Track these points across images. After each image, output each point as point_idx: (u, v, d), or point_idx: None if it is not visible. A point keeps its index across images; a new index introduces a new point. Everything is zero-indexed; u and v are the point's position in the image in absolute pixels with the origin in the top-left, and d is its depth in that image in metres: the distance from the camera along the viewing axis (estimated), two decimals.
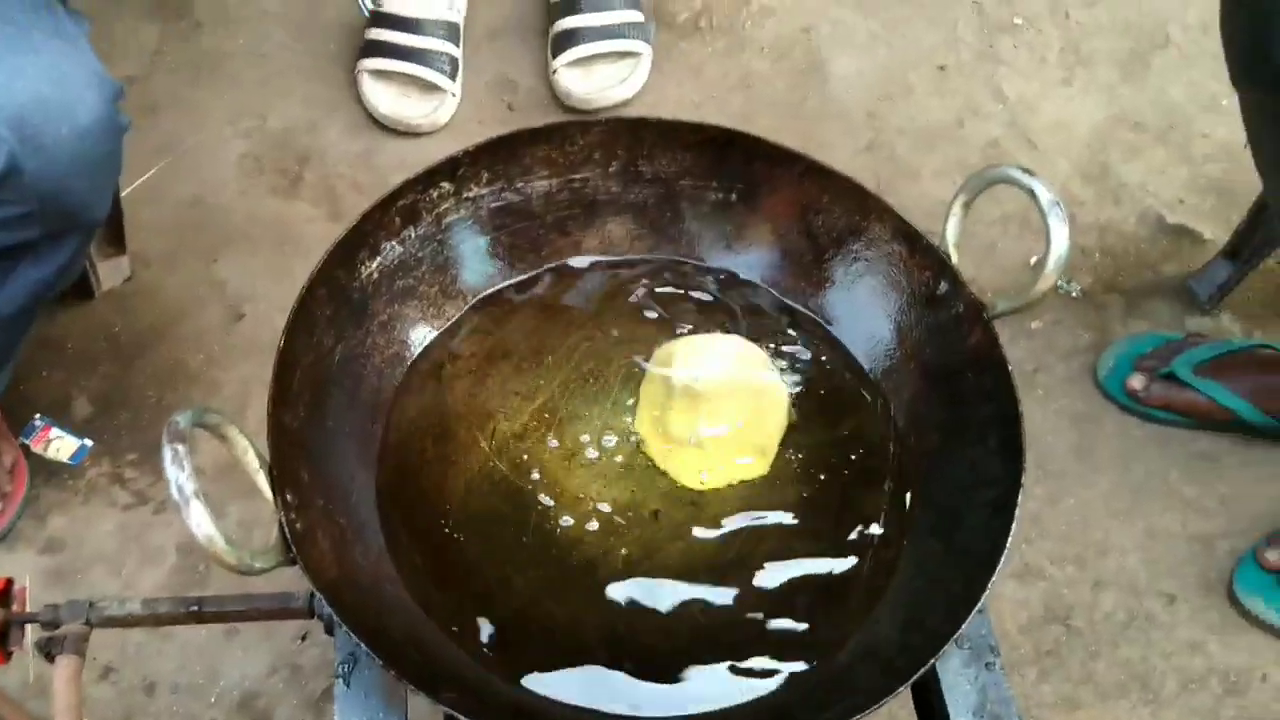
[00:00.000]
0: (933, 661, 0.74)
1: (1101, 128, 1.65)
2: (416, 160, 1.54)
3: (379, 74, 1.61)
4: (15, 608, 0.95)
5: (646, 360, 0.93)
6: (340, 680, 0.85)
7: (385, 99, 1.60)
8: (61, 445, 1.41)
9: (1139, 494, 1.39)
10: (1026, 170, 0.86)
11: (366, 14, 1.64)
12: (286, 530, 0.74)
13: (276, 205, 1.58)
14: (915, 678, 0.74)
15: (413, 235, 0.91)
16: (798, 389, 0.93)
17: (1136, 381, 1.39)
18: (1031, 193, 0.84)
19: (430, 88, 1.59)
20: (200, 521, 0.68)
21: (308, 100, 1.65)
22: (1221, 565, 1.35)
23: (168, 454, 0.68)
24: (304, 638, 1.29)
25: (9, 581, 0.94)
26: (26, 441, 1.41)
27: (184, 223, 1.57)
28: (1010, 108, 1.66)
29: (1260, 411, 1.35)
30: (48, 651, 0.94)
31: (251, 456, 0.76)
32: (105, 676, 1.27)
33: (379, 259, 0.89)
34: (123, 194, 1.41)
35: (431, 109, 1.59)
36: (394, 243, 0.90)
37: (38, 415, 1.42)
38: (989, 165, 0.89)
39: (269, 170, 1.61)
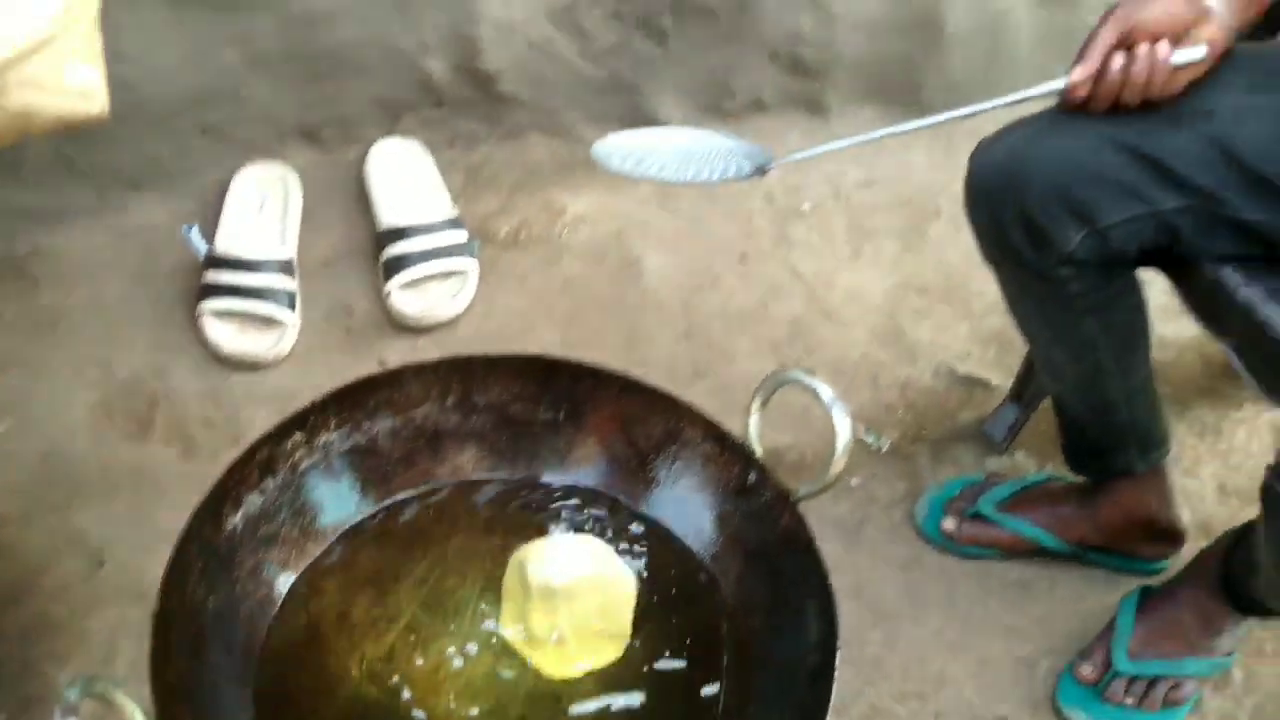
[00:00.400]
0: None
1: (891, 294, 1.83)
2: (264, 392, 1.64)
3: (219, 314, 1.69)
4: None
5: (502, 569, 1.03)
6: None
7: (227, 337, 1.68)
8: None
9: (966, 626, 1.52)
10: (809, 371, 0.99)
11: (201, 258, 1.73)
12: None
13: (130, 450, 1.63)
14: None
15: (271, 485, 0.99)
16: (642, 577, 1.03)
17: (949, 524, 1.53)
18: (814, 393, 0.97)
19: (270, 322, 1.68)
20: None
21: (152, 345, 1.72)
22: (1045, 683, 1.47)
23: None
24: None
25: None
26: None
27: (37, 478, 1.61)
28: (808, 285, 1.83)
29: (1057, 538, 1.50)
30: None
31: (140, 717, 0.82)
32: None
33: (242, 511, 0.97)
34: None
35: (273, 342, 1.68)
36: (254, 494, 0.98)
37: None
38: (778, 369, 1.02)
39: (119, 417, 1.66)
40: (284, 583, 0.99)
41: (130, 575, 1.51)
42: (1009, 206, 1.20)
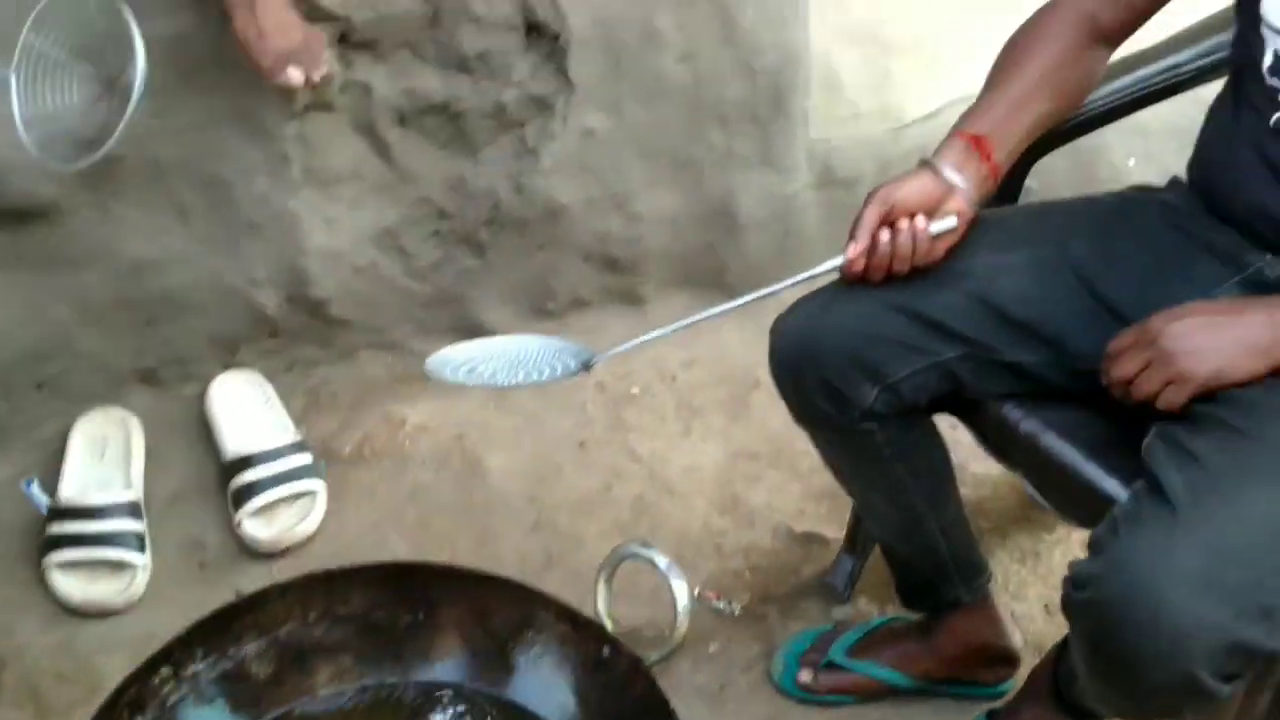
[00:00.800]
0: None
1: (723, 464, 1.94)
2: (117, 639, 1.64)
3: (66, 565, 1.68)
4: None
5: None
6: None
7: (76, 588, 1.67)
8: None
9: None
10: (645, 543, 1.08)
11: (44, 511, 1.73)
12: None
13: None
14: None
15: None
16: None
17: (805, 676, 1.60)
18: (651, 562, 1.05)
19: (120, 566, 1.68)
20: None
21: None
22: None
23: None
24: None
25: None
26: None
27: None
28: (646, 464, 1.93)
29: (904, 676, 1.58)
30: None
31: None
32: None
33: None
34: None
35: (124, 586, 1.68)
36: None
37: None
38: (616, 546, 1.10)
39: None
40: None
41: None
42: (808, 373, 1.32)
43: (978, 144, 1.25)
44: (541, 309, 2.08)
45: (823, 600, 1.76)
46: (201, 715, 1.04)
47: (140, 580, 1.69)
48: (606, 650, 1.07)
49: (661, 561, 1.03)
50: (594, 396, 2.03)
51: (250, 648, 1.07)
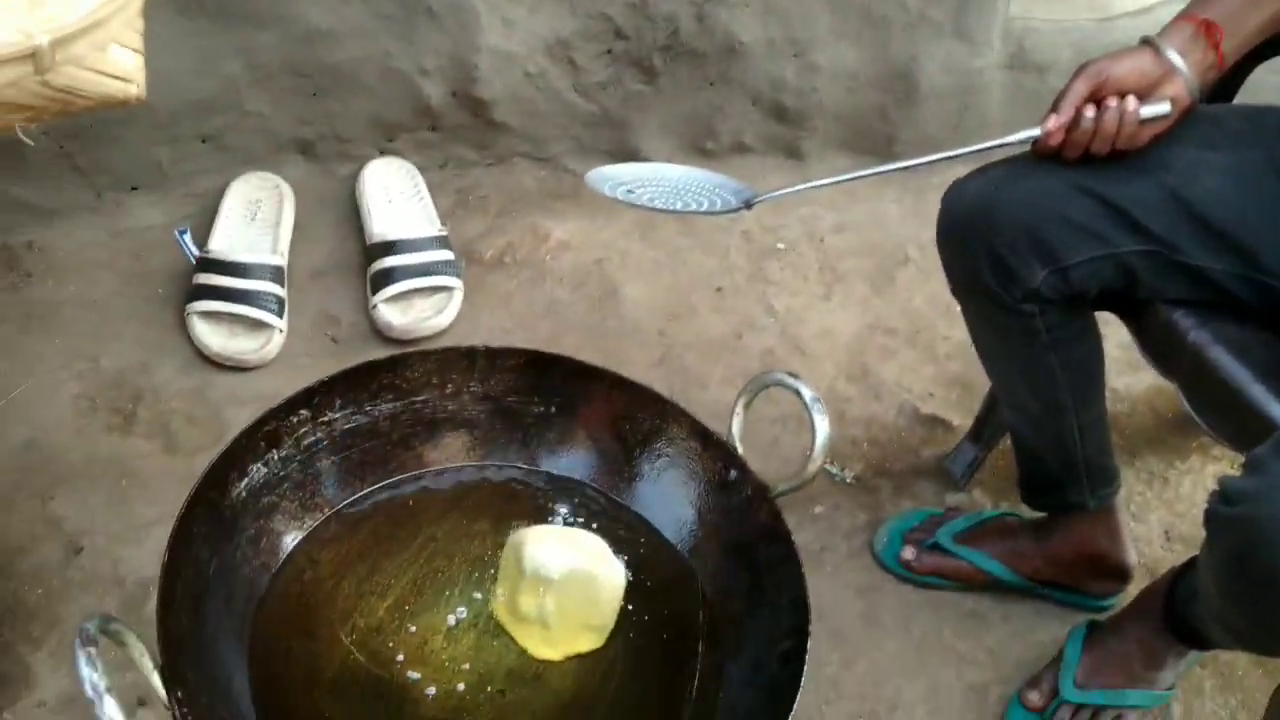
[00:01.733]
0: None
1: (859, 334, 1.90)
2: (248, 393, 1.68)
3: (208, 315, 1.73)
4: None
5: (490, 553, 1.07)
6: None
7: (215, 338, 1.72)
8: None
9: (920, 652, 1.57)
10: (793, 374, 1.05)
11: (193, 261, 1.77)
12: None
13: (112, 442, 1.66)
14: None
15: (276, 457, 1.03)
16: (627, 575, 1.07)
17: (908, 553, 1.59)
18: (797, 393, 1.03)
19: (258, 325, 1.72)
20: (113, 715, 0.77)
21: (139, 343, 1.76)
22: (994, 710, 1.52)
23: (81, 657, 0.77)
24: None
25: None
26: None
27: (18, 465, 1.63)
28: (780, 320, 1.90)
29: (1011, 571, 1.56)
30: None
31: (147, 659, 0.85)
32: None
33: (246, 480, 1.01)
34: None
35: (260, 345, 1.72)
36: (259, 465, 1.02)
37: None
38: (764, 371, 1.08)
39: (103, 409, 1.69)
40: (282, 551, 1.03)
41: (106, 564, 1.54)
42: (978, 241, 1.27)
43: (1207, 30, 1.17)
44: (700, 147, 2.04)
45: (938, 484, 1.74)
46: (330, 464, 1.06)
47: (276, 342, 1.73)
48: (734, 473, 1.06)
49: (808, 393, 1.01)
50: (739, 244, 1.99)
51: (386, 407, 1.08)
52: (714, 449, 1.07)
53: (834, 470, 1.73)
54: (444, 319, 1.77)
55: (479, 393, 1.11)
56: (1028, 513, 1.59)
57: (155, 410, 1.69)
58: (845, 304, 1.94)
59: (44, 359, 1.73)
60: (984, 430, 1.69)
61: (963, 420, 1.79)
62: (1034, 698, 1.47)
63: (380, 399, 1.08)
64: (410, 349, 1.08)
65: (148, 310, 1.79)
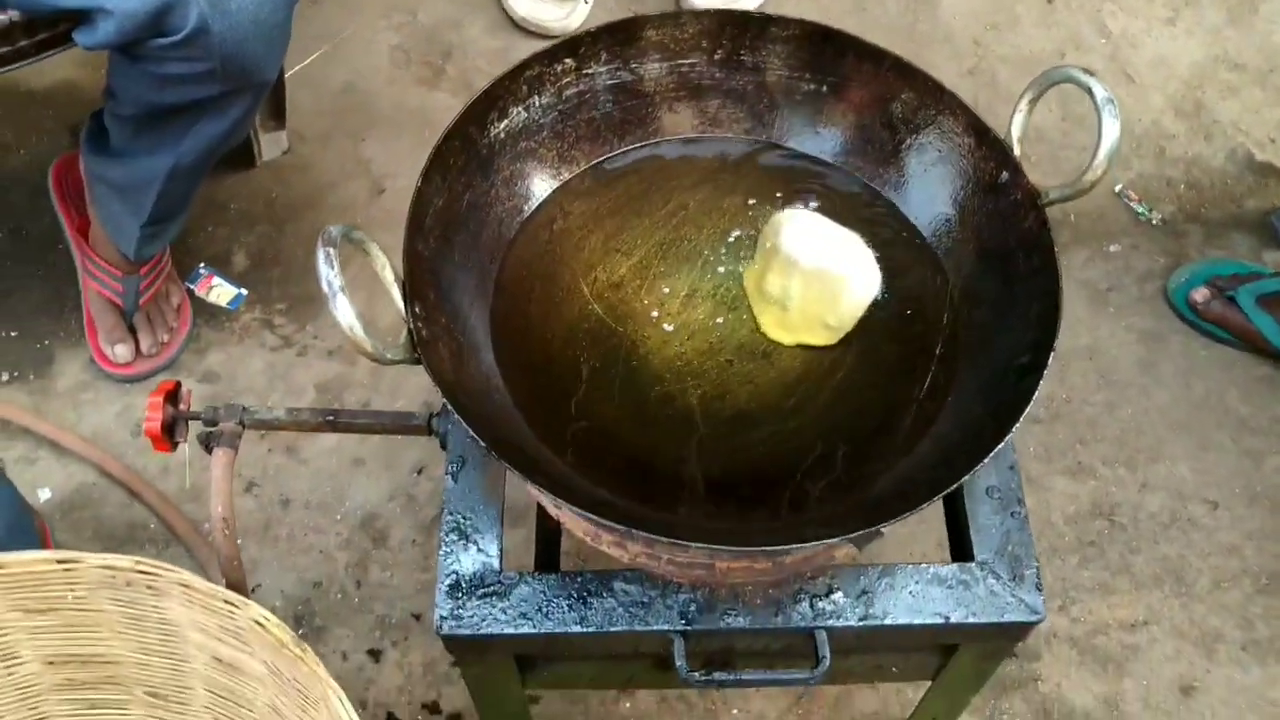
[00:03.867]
0: (943, 494, 0.85)
1: (1201, 66, 1.71)
2: None
3: None
4: (181, 406, 1.13)
5: (740, 227, 1.06)
6: (450, 477, 1.00)
7: (524, 2, 1.74)
8: (221, 292, 1.59)
9: (1196, 409, 1.48)
10: (1087, 71, 0.96)
11: None
12: (414, 334, 0.89)
13: (420, 94, 1.74)
14: (927, 505, 0.85)
15: (537, 103, 1.04)
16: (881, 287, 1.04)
17: (1199, 295, 1.47)
18: (1089, 91, 0.94)
19: None
20: (344, 312, 0.82)
21: (453, 0, 1.80)
22: (1268, 479, 1.43)
23: (321, 255, 0.83)
24: (420, 471, 1.45)
25: (177, 384, 1.11)
26: (191, 286, 1.60)
27: (337, 105, 1.74)
28: (1113, 42, 1.73)
29: None
30: (207, 444, 1.12)
31: (389, 272, 0.90)
32: (249, 490, 1.45)
33: (506, 121, 1.03)
34: (286, 75, 1.58)
35: (565, 14, 1.73)
36: (520, 108, 1.03)
37: (202, 265, 1.61)
38: (1054, 66, 0.98)
39: (416, 62, 1.76)
40: (535, 198, 1.05)
41: (405, 205, 1.63)
42: None
43: None
44: None
45: (1257, 239, 1.59)
46: (590, 117, 1.06)
47: (579, 13, 1.73)
48: (1005, 175, 0.99)
49: (1100, 92, 0.92)
50: None
51: (652, 67, 1.06)
52: (989, 147, 1.00)
53: (1140, 209, 1.60)
54: (752, 1, 1.72)
55: (749, 62, 1.07)
56: None
57: (461, 67, 1.75)
58: (1192, 31, 1.75)
59: (368, 7, 1.80)
60: None
61: None
62: None
63: (647, 57, 1.06)
64: (681, 10, 1.05)
65: None
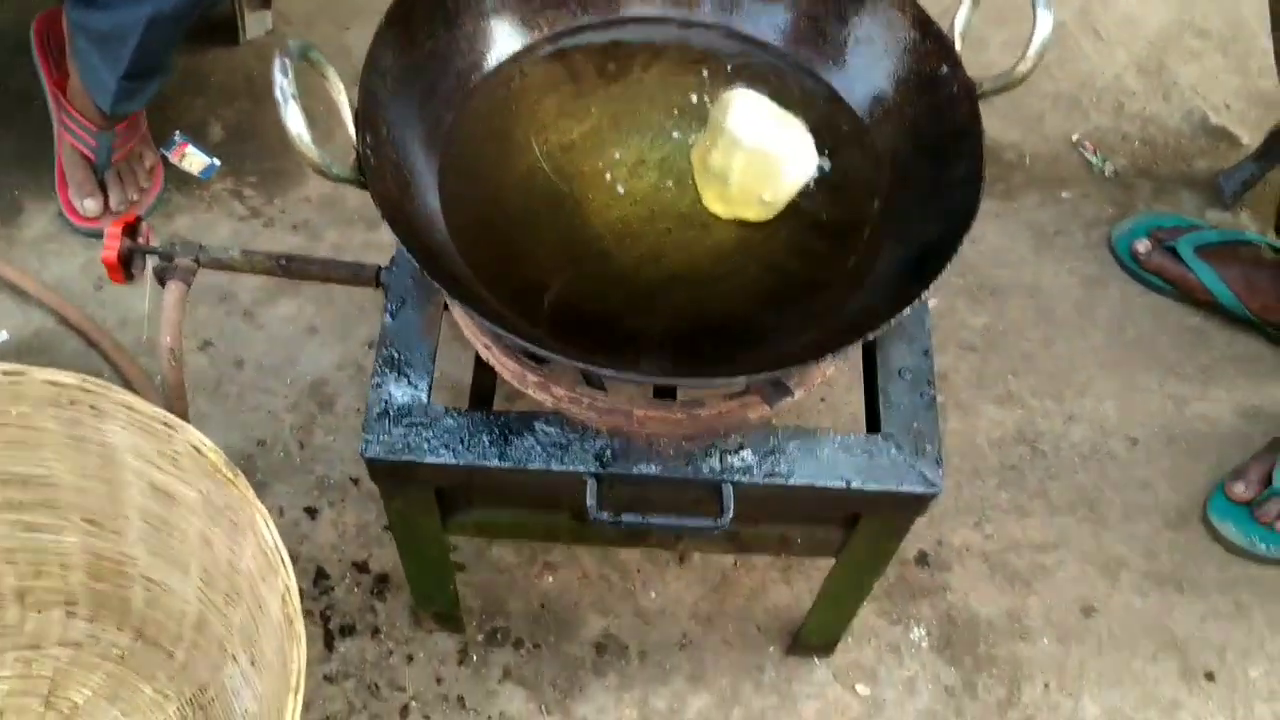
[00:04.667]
0: (841, 349, 0.89)
1: (1168, 29, 1.76)
2: None
3: None
4: (140, 240, 1.17)
5: (689, 105, 1.10)
6: (389, 315, 1.04)
7: None
8: (194, 160, 1.63)
9: (1127, 350, 1.53)
10: None
11: None
12: (363, 159, 0.93)
13: None
14: (829, 359, 0.89)
15: None
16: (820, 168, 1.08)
17: (1141, 246, 1.52)
18: None
19: None
20: (294, 120, 0.86)
21: None
22: (1188, 424, 1.48)
23: (277, 64, 0.86)
24: (371, 345, 1.49)
25: (138, 218, 1.15)
26: (166, 153, 1.63)
27: None
28: None
29: (1237, 299, 1.47)
30: (161, 277, 1.15)
31: (345, 99, 0.94)
32: (203, 348, 1.49)
33: None
34: None
35: None
36: None
37: (178, 132, 1.64)
38: None
39: None
40: (496, 57, 1.09)
41: None
42: None
43: None
44: None
45: (1202, 198, 1.64)
46: None
47: None
48: (946, 69, 1.03)
49: None
50: None
51: None
52: (933, 41, 1.04)
53: (1094, 159, 1.65)
54: None
55: None
56: None
57: None
58: None
59: None
60: (1273, 150, 1.56)
61: (1254, 139, 1.66)
62: (1239, 489, 1.39)
63: None
64: None
65: None
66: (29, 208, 1.57)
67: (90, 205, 1.54)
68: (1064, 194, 1.63)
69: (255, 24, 1.70)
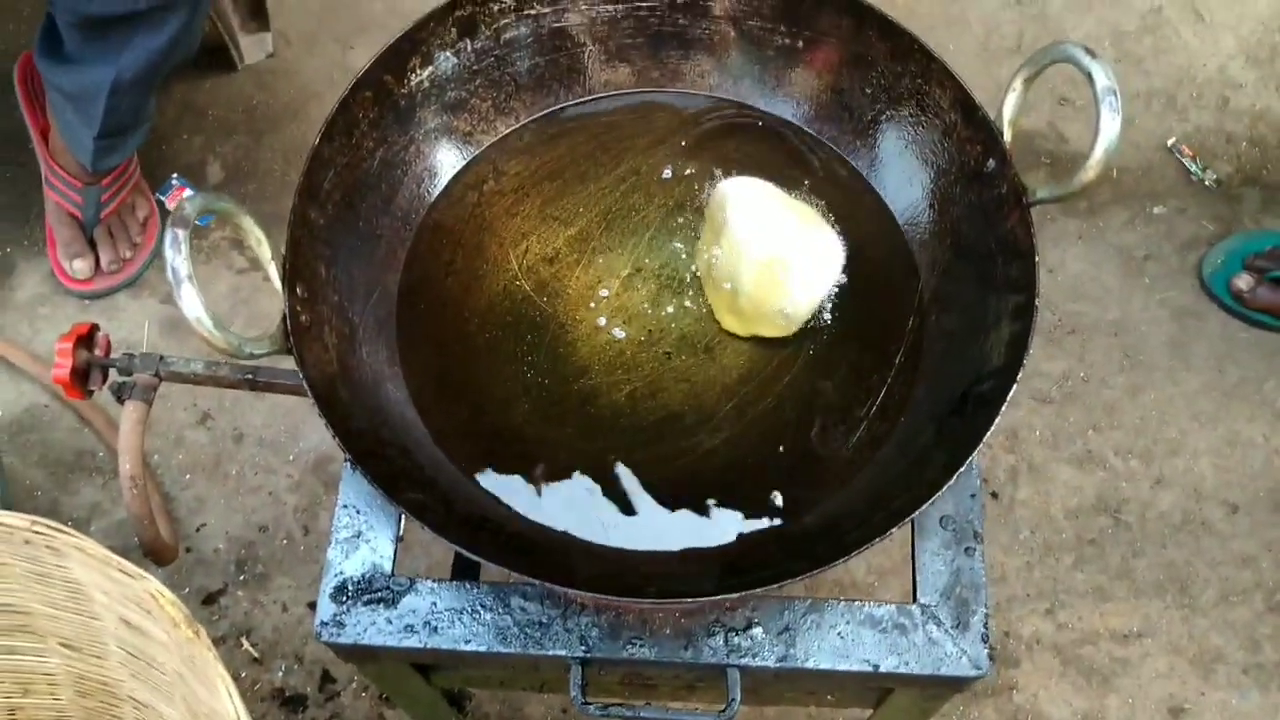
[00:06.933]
0: (868, 548, 0.74)
1: None
2: None
3: None
4: (97, 351, 1.05)
5: (695, 198, 0.94)
6: (347, 464, 0.92)
7: None
8: None
9: (1228, 398, 1.34)
10: (1089, 51, 0.81)
11: None
12: (289, 321, 0.79)
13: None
14: (853, 557, 0.75)
15: (469, 48, 0.92)
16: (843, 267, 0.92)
17: (1243, 281, 1.33)
18: (1089, 76, 0.80)
19: None
20: (191, 304, 0.73)
21: None
22: None
23: (168, 237, 0.72)
24: None
25: (93, 327, 1.03)
26: (162, 198, 1.51)
27: (326, 6, 1.62)
28: None
29: None
30: (119, 396, 1.04)
31: (265, 248, 0.80)
32: (203, 422, 1.38)
33: (431, 68, 0.91)
34: None
35: None
36: (449, 54, 0.92)
37: (175, 175, 1.52)
38: (1056, 42, 0.84)
39: None
40: (463, 155, 0.94)
41: None
42: None
43: None
44: None
45: None
46: (531, 64, 0.94)
47: None
48: (991, 164, 0.85)
49: (1102, 79, 0.78)
50: None
51: (605, 9, 0.93)
52: (976, 129, 0.86)
53: (1193, 167, 1.44)
54: None
55: (716, 10, 0.93)
56: None
57: None
58: None
59: None
60: None
61: None
62: None
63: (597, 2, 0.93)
64: None
65: None
66: (21, 267, 1.48)
67: (80, 267, 1.44)
68: (1157, 209, 1.42)
69: (253, 48, 1.56)
